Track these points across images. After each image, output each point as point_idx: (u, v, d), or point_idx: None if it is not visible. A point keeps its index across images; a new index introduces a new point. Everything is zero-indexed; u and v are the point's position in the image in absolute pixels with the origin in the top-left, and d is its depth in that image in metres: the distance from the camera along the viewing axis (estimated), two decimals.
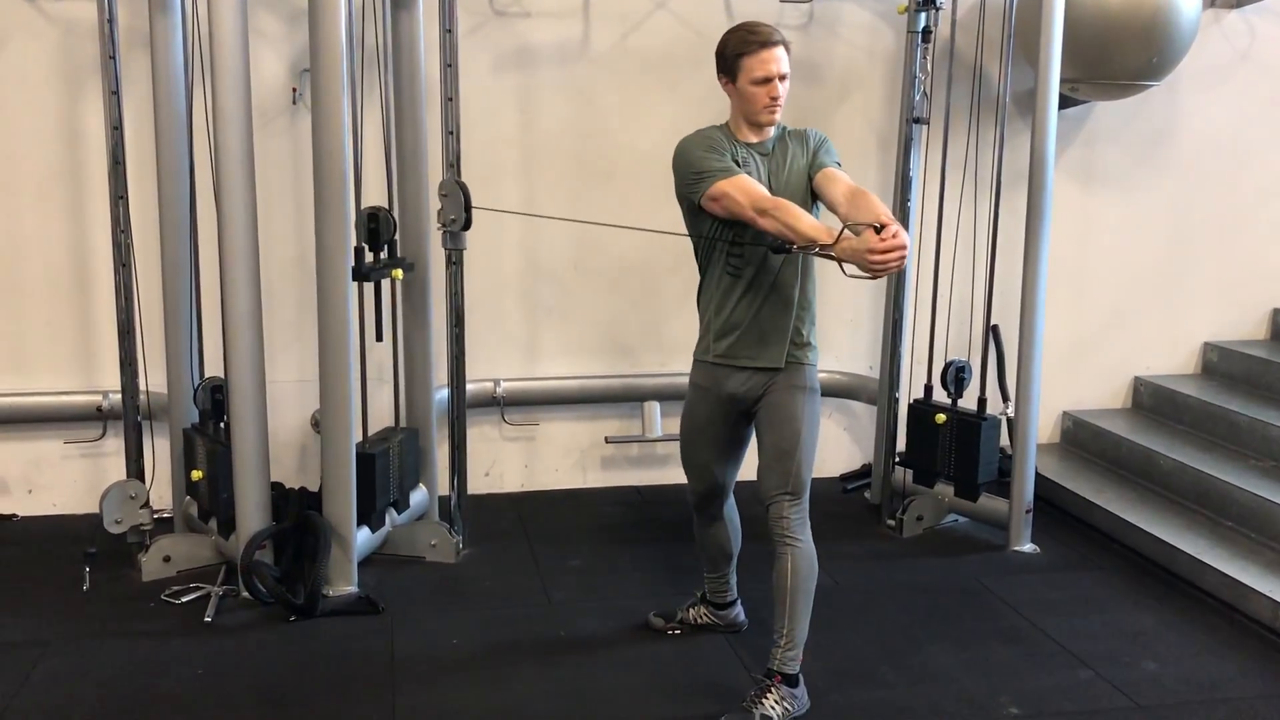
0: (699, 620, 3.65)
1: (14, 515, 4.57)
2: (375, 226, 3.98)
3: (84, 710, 3.16)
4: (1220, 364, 5.43)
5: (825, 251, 2.80)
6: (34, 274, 4.46)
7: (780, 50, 3.03)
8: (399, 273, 4.03)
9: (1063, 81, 4.38)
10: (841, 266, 2.79)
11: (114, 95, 3.94)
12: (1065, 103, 4.72)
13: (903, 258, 2.69)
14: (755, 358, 3.16)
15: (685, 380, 3.38)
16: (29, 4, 4.30)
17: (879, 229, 2.68)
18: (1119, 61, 4.67)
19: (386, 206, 4.12)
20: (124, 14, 4.06)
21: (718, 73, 3.11)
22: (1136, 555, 4.37)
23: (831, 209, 3.02)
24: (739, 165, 3.06)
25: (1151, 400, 5.38)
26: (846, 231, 2.74)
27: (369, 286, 4.02)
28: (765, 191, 3.00)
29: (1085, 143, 5.22)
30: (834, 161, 3.13)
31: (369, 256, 3.98)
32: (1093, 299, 5.36)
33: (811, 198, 3.12)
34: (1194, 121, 5.29)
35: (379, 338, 4.05)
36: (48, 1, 4.31)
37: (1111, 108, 5.16)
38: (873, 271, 2.71)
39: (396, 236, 4.10)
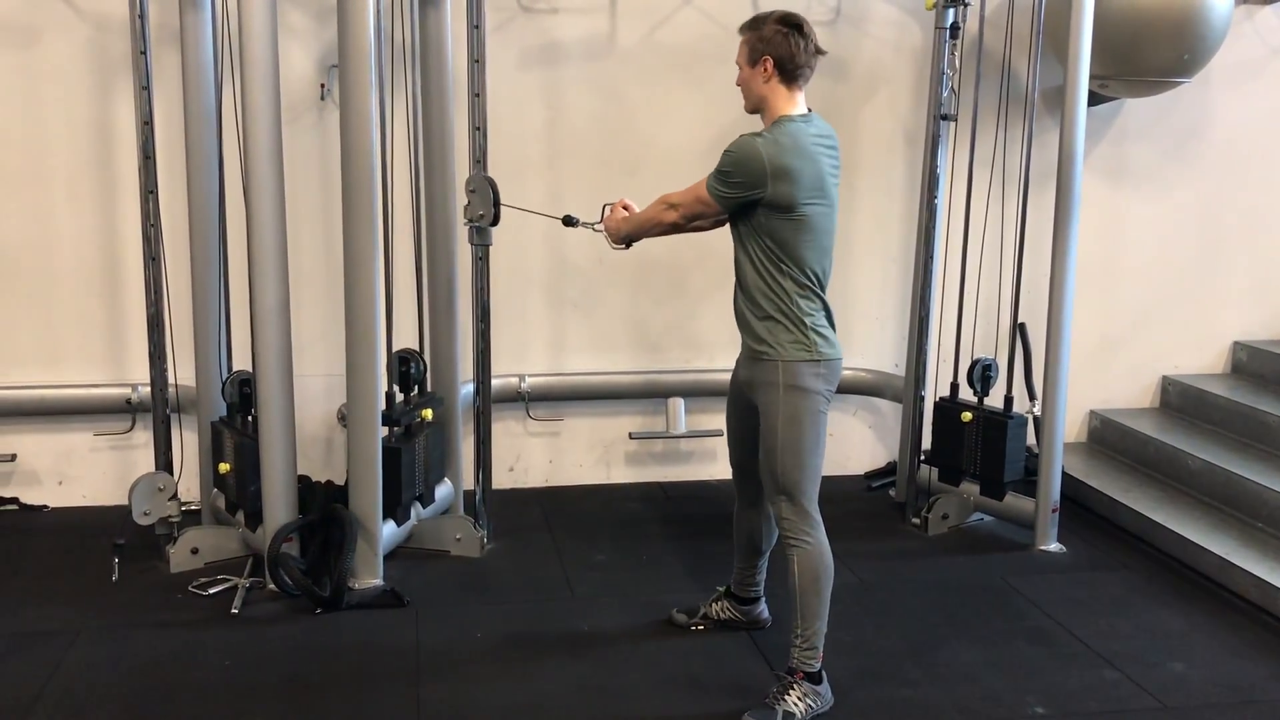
0: (722, 615, 3.65)
1: (45, 506, 4.62)
2: (406, 369, 4.07)
3: (113, 699, 3.19)
4: (1250, 363, 5.38)
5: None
6: (65, 267, 4.51)
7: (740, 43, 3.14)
8: (429, 413, 4.10)
9: (1092, 78, 4.34)
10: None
11: (145, 91, 3.97)
12: (1095, 99, 4.69)
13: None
14: (743, 346, 3.25)
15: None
16: (62, 0, 4.34)
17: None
18: (1150, 58, 4.64)
19: (418, 349, 4.21)
20: (155, 10, 4.10)
21: None
22: (1164, 555, 4.34)
23: None
24: None
25: (1180, 400, 5.34)
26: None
27: (396, 284, 4.04)
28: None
29: (1115, 140, 5.18)
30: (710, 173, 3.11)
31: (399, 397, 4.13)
32: (1121, 297, 5.32)
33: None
34: (1225, 119, 5.25)
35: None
36: None
37: (1142, 105, 5.12)
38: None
39: (428, 374, 4.23)
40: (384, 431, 3.93)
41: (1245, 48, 5.15)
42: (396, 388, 4.11)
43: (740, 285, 3.17)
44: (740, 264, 3.15)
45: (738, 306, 3.20)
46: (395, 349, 4.19)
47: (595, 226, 3.46)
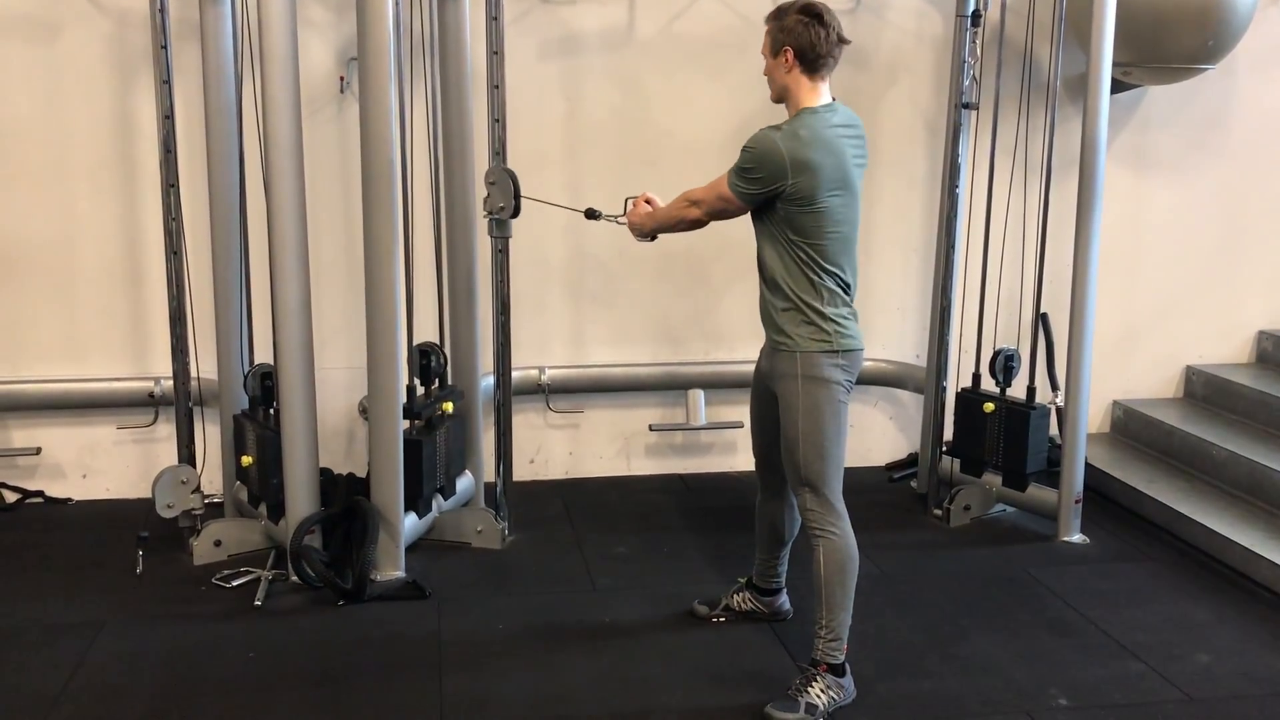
0: (744, 606, 3.64)
1: (69, 499, 4.65)
2: (427, 363, 4.09)
3: (138, 690, 3.21)
4: (1275, 353, 5.33)
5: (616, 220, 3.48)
6: (87, 262, 4.53)
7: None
8: (449, 406, 4.11)
9: (1115, 65, 4.31)
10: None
11: (165, 85, 3.98)
12: (1117, 87, 4.65)
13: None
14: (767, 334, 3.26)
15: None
16: None
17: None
18: (1173, 44, 4.59)
19: (439, 341, 4.21)
20: (175, 4, 4.10)
21: None
22: (1188, 546, 4.31)
23: None
24: None
25: (1204, 389, 5.29)
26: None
27: (415, 276, 4.05)
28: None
29: (1138, 128, 5.14)
30: (730, 169, 3.10)
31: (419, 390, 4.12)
32: (1144, 286, 5.28)
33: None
34: (1250, 105, 5.19)
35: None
36: None
37: (1165, 92, 5.08)
38: None
39: (448, 369, 4.23)
40: (404, 424, 3.93)
41: (1270, 33, 5.09)
42: (417, 380, 4.12)
43: (763, 277, 3.18)
44: (763, 256, 3.15)
45: (761, 298, 3.21)
46: (416, 342, 4.18)
47: (618, 220, 3.47)
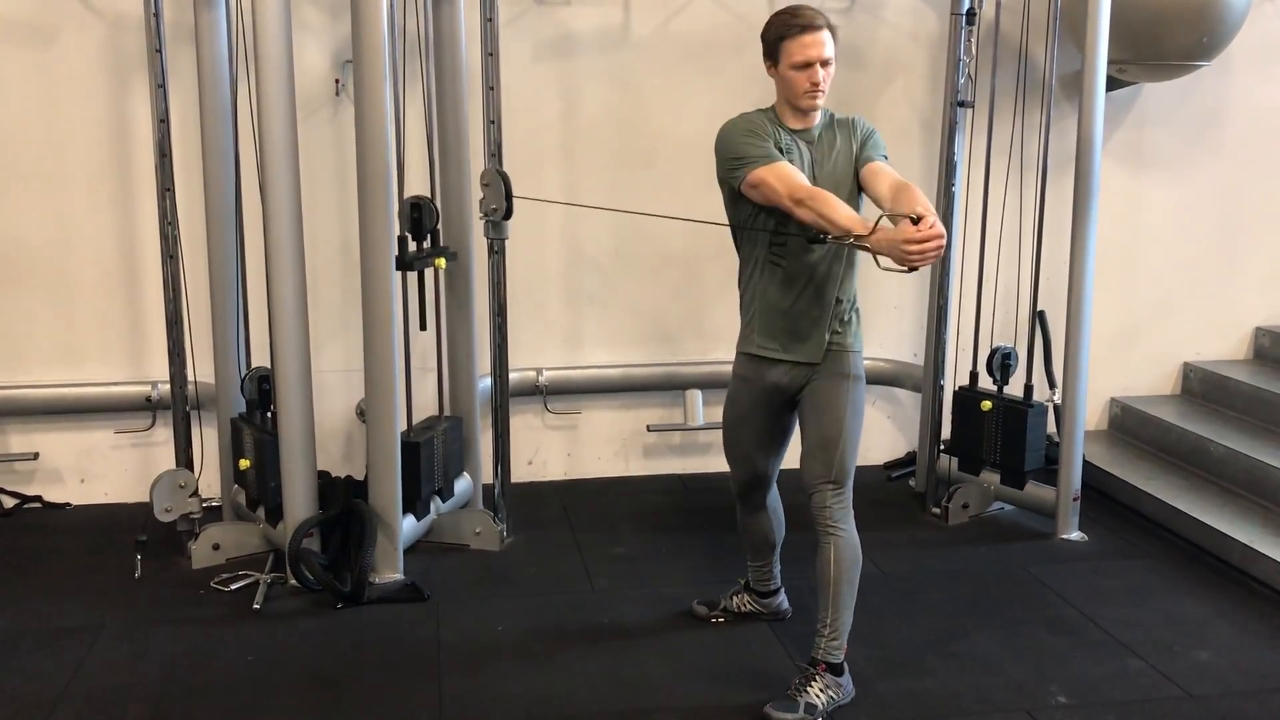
0: (742, 608, 3.64)
1: (67, 504, 4.65)
2: (418, 216, 3.99)
3: (137, 694, 3.21)
4: (1272, 349, 5.33)
5: (860, 242, 2.77)
6: (83, 266, 4.53)
7: (822, 35, 2.98)
8: (442, 262, 4.05)
9: (1110, 63, 4.31)
10: (876, 259, 2.78)
11: (160, 88, 3.98)
12: (1113, 84, 4.65)
13: (939, 249, 2.66)
14: (797, 351, 3.14)
15: (727, 369, 3.37)
16: None
17: (915, 220, 2.64)
18: (1168, 41, 4.59)
19: (429, 196, 4.14)
20: (169, 8, 4.11)
21: (763, 57, 3.09)
22: (1187, 543, 4.31)
23: (877, 203, 2.98)
24: (781, 152, 3.01)
25: (1201, 386, 5.30)
26: (884, 222, 2.72)
27: (412, 276, 4.05)
28: (803, 180, 2.93)
29: (1133, 125, 5.14)
30: (881, 155, 3.08)
31: (412, 246, 4.00)
32: (1141, 284, 5.29)
33: (857, 190, 3.09)
34: (1246, 102, 5.20)
35: (423, 326, 4.07)
36: None
37: (1160, 89, 5.08)
38: (908, 263, 2.68)
39: (439, 226, 4.11)
40: (397, 277, 3.80)
41: (1266, 30, 5.10)
42: (409, 235, 3.99)
43: (829, 278, 3.08)
44: (850, 264, 3.10)
45: (822, 305, 3.10)
46: (414, 346, 4.17)
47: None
